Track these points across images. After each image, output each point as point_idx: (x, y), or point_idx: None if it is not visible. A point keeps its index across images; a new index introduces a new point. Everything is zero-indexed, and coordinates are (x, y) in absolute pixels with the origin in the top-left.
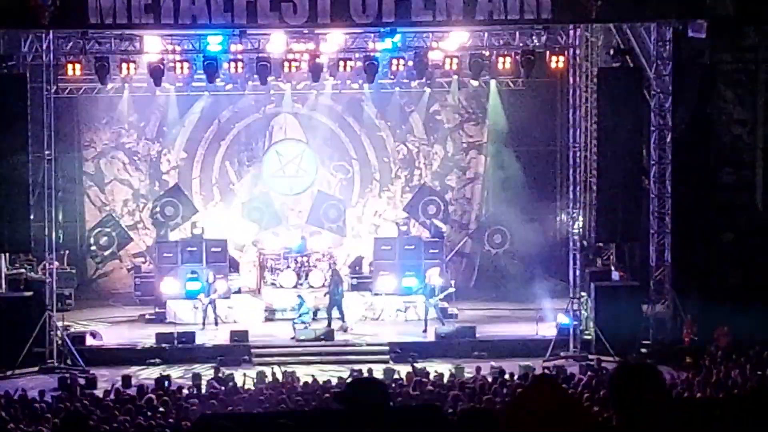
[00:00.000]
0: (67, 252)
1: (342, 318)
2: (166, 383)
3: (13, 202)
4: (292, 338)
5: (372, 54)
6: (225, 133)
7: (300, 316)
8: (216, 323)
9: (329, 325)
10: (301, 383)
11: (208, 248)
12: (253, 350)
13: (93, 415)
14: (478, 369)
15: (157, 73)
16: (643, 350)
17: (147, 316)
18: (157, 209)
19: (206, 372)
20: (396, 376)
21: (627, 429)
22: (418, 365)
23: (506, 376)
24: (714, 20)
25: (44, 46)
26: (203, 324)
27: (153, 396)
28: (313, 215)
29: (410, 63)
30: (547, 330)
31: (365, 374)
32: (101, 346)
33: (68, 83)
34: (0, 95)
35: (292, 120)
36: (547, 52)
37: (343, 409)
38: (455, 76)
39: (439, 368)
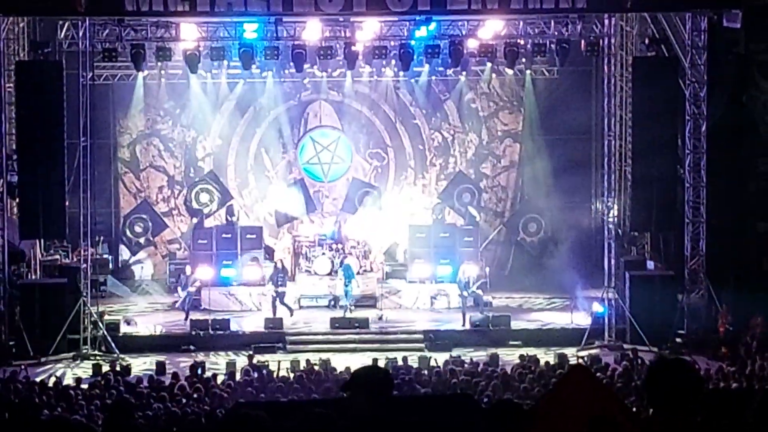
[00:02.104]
0: (101, 238)
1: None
2: (200, 371)
3: (48, 188)
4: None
5: (407, 42)
6: (260, 120)
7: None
8: (291, 312)
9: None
10: (335, 371)
11: (243, 235)
12: (287, 338)
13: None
14: (521, 357)
15: (192, 60)
16: (678, 340)
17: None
18: (192, 196)
19: (241, 359)
20: (432, 363)
21: (662, 422)
22: (453, 353)
23: (541, 365)
24: (749, 10)
25: (80, 34)
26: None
27: (186, 383)
28: (347, 202)
29: (445, 51)
30: (582, 319)
31: (399, 362)
32: (136, 333)
33: (104, 70)
34: (36, 82)
35: (328, 107)
36: (582, 41)
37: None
38: (490, 64)
39: (474, 356)
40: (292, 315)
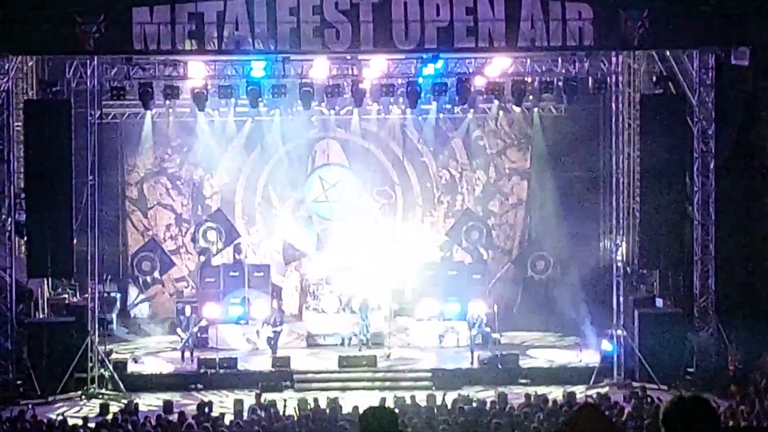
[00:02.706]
0: (109, 277)
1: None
2: (208, 409)
3: (56, 227)
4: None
5: (414, 80)
6: (268, 158)
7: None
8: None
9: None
10: (343, 410)
11: (250, 273)
12: (295, 376)
13: None
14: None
15: (200, 99)
16: (688, 378)
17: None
18: (200, 234)
19: (248, 398)
20: (440, 401)
21: None
22: (462, 391)
23: (550, 404)
24: (757, 47)
25: (88, 72)
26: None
27: (194, 422)
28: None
29: (452, 89)
30: (591, 357)
31: (408, 400)
32: (143, 371)
33: (112, 109)
34: (44, 121)
35: (335, 145)
36: (590, 79)
37: None
38: (497, 102)
39: (483, 395)
40: (274, 354)
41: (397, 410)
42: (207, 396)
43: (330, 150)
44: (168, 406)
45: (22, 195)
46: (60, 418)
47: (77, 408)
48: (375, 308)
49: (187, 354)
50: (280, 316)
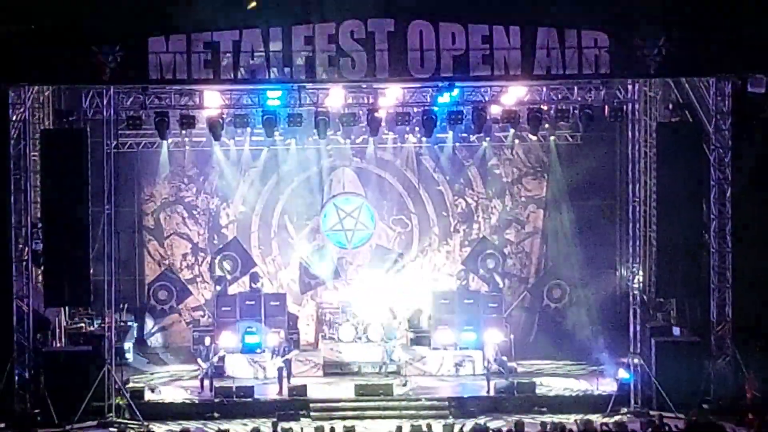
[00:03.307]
0: (126, 306)
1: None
2: None
3: (73, 256)
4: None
5: (430, 108)
6: (283, 187)
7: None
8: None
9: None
10: None
11: (266, 302)
12: (311, 405)
13: None
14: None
15: (216, 128)
16: (705, 406)
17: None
18: (216, 263)
19: (265, 427)
20: (456, 430)
21: None
22: (478, 420)
23: None
24: None
25: (105, 102)
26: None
27: None
28: (371, 269)
29: (468, 117)
30: (607, 385)
31: (424, 429)
32: (160, 400)
33: (128, 138)
34: (61, 150)
35: (351, 174)
36: (606, 107)
37: None
38: (513, 130)
39: (499, 423)
40: (288, 382)
41: None
42: (223, 425)
43: (345, 179)
44: None
45: (39, 224)
46: None
47: None
48: (383, 339)
49: (206, 383)
50: (288, 345)
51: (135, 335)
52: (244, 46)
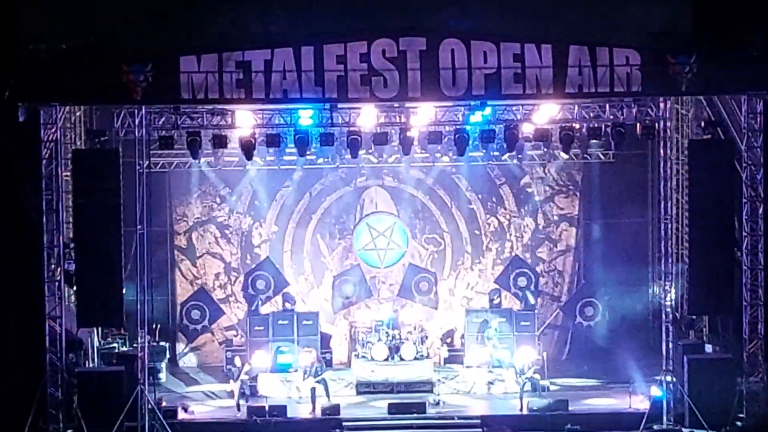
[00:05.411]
0: (158, 326)
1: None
2: None
3: (105, 276)
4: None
5: (462, 127)
6: (316, 206)
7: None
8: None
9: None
10: None
11: (299, 321)
12: (344, 423)
13: None
14: None
15: (248, 147)
16: (738, 424)
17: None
18: (249, 283)
19: None
20: None
21: None
22: None
23: None
24: None
25: (136, 122)
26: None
27: None
28: (404, 288)
29: (500, 136)
30: (640, 403)
31: None
32: (193, 420)
33: (160, 158)
34: (93, 170)
35: (383, 193)
36: (638, 125)
37: None
38: (545, 149)
39: None
40: (329, 398)
41: None
42: None
43: (378, 198)
44: None
45: (71, 245)
46: None
47: None
48: (416, 357)
49: (242, 402)
50: (321, 365)
51: (168, 355)
52: (275, 65)
